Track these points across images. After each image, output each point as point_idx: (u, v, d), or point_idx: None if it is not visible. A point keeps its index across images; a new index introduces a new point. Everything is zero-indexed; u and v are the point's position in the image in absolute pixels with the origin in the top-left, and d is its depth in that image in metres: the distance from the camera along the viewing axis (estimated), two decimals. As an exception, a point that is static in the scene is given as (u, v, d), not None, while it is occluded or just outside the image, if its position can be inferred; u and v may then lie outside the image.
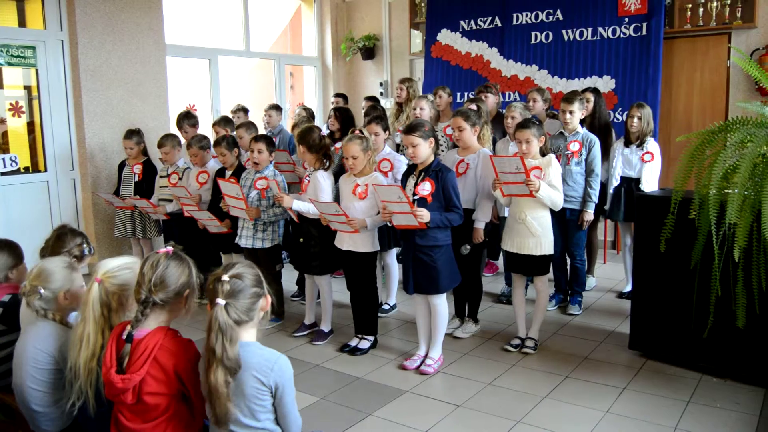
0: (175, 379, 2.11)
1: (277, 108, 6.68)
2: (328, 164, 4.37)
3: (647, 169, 4.95)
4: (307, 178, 4.39)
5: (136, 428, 2.14)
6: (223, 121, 5.92)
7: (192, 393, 2.15)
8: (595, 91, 5.28)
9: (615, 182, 5.11)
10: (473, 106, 4.42)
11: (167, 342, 2.13)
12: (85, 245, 2.97)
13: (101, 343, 2.22)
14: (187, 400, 2.19)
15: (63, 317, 2.52)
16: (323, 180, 4.28)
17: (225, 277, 2.08)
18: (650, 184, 4.95)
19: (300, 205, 4.26)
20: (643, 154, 4.96)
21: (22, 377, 2.42)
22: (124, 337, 2.12)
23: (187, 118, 5.98)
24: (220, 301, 2.05)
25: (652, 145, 4.99)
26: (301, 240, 4.44)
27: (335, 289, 5.33)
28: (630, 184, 5.04)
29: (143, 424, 2.13)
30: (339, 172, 4.55)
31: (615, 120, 6.50)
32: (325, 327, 4.62)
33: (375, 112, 5.24)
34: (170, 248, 2.21)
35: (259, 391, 2.08)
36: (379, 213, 4.02)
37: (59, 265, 2.54)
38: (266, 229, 4.65)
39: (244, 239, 4.67)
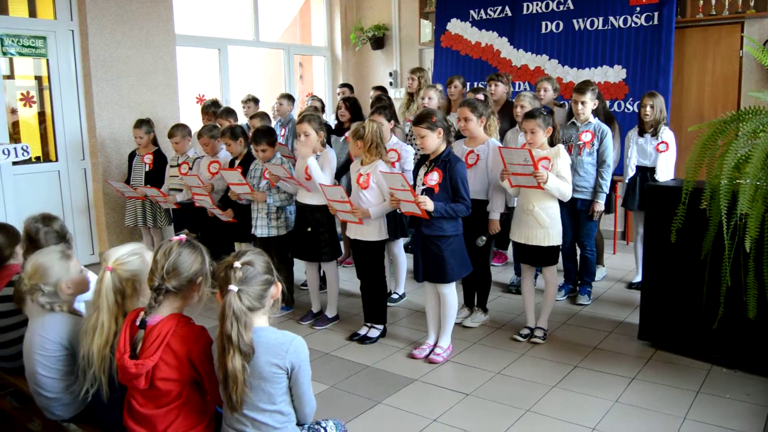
0: (188, 365, 2.13)
1: (289, 97, 6.69)
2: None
3: (662, 158, 4.92)
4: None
5: (149, 413, 2.16)
6: (226, 112, 5.93)
7: (205, 379, 2.17)
8: None
9: (631, 172, 5.09)
10: (480, 96, 4.41)
11: (180, 328, 2.14)
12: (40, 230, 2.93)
13: (115, 330, 2.24)
14: (200, 386, 2.21)
15: (70, 306, 2.54)
16: (332, 157, 4.46)
17: (237, 264, 2.08)
18: (665, 173, 4.92)
19: (312, 164, 4.29)
20: (658, 144, 4.93)
21: (33, 366, 2.44)
22: (138, 323, 2.14)
23: (214, 107, 6.04)
24: (233, 288, 2.05)
25: (666, 134, 4.96)
26: (309, 229, 4.46)
27: (344, 278, 5.36)
28: (645, 173, 5.01)
29: (155, 409, 2.15)
30: (345, 165, 4.57)
31: (626, 110, 6.47)
32: (330, 313, 4.66)
33: (379, 103, 5.24)
34: (183, 236, 2.23)
35: (276, 374, 2.09)
36: (385, 200, 4.04)
37: (53, 257, 2.53)
38: (279, 217, 4.69)
39: (260, 229, 4.70)
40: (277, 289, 2.19)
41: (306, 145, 4.34)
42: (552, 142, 4.06)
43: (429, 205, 3.67)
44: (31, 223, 2.98)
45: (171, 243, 2.18)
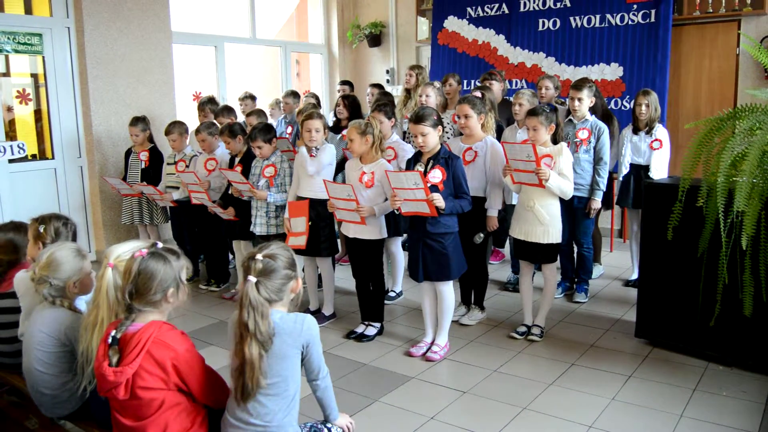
0: (173, 373, 2.09)
1: (294, 94, 6.69)
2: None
3: (656, 156, 4.93)
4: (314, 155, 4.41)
5: (135, 426, 2.12)
6: (226, 110, 5.93)
7: (192, 385, 2.14)
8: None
9: (624, 170, 5.09)
10: (478, 94, 4.41)
11: (162, 335, 2.10)
12: (62, 227, 2.93)
13: None
14: (184, 392, 2.17)
15: (71, 303, 2.55)
16: (330, 150, 4.45)
17: (259, 256, 2.16)
18: (659, 171, 4.92)
19: (306, 157, 4.32)
20: (652, 142, 4.94)
21: (30, 361, 2.45)
22: (109, 341, 2.09)
23: (211, 103, 6.02)
24: (252, 279, 2.13)
25: (660, 131, 4.97)
26: (310, 223, 4.44)
27: (342, 276, 5.36)
28: (639, 171, 5.01)
29: (139, 421, 2.11)
30: (341, 163, 4.56)
31: (623, 108, 6.48)
32: (327, 311, 4.66)
33: (383, 100, 5.24)
34: (144, 250, 2.15)
35: (291, 354, 2.17)
36: (386, 200, 4.02)
37: (69, 254, 2.55)
38: (279, 215, 4.68)
39: (259, 227, 4.69)
40: (297, 284, 2.26)
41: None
42: (555, 140, 4.06)
43: (441, 202, 3.68)
44: (54, 222, 2.95)
45: (131, 261, 2.13)
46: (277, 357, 2.14)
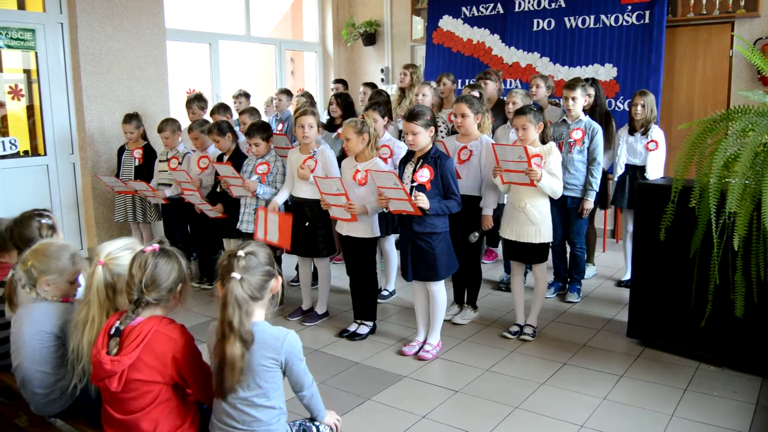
0: (171, 366, 2.09)
1: (287, 93, 6.67)
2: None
3: (652, 157, 4.94)
4: (313, 156, 4.38)
5: (126, 419, 2.11)
6: (222, 108, 5.91)
7: (189, 379, 2.14)
8: (593, 81, 5.26)
9: (620, 170, 5.10)
10: (476, 93, 4.40)
11: (163, 328, 2.11)
12: (44, 219, 2.89)
13: None
14: (178, 388, 2.17)
15: (55, 296, 2.48)
16: (331, 155, 4.41)
17: (241, 253, 2.11)
18: (655, 172, 4.94)
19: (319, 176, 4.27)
20: (648, 143, 4.95)
21: (21, 359, 2.41)
22: (112, 332, 2.10)
23: (198, 101, 5.98)
24: (236, 275, 2.08)
25: (656, 132, 4.98)
26: (307, 224, 4.43)
27: (335, 275, 5.35)
28: (635, 172, 5.02)
29: (130, 415, 2.10)
30: (341, 158, 4.55)
31: (616, 108, 6.49)
32: (320, 309, 4.65)
33: (377, 98, 5.23)
34: (156, 245, 2.18)
35: (270, 368, 2.12)
36: (379, 198, 4.02)
37: (65, 249, 2.52)
38: None
39: (245, 224, 4.68)
40: (277, 283, 2.21)
41: (307, 170, 4.30)
42: (543, 140, 4.07)
43: (425, 203, 3.66)
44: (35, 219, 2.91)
45: (145, 255, 2.14)
46: (255, 370, 2.10)
